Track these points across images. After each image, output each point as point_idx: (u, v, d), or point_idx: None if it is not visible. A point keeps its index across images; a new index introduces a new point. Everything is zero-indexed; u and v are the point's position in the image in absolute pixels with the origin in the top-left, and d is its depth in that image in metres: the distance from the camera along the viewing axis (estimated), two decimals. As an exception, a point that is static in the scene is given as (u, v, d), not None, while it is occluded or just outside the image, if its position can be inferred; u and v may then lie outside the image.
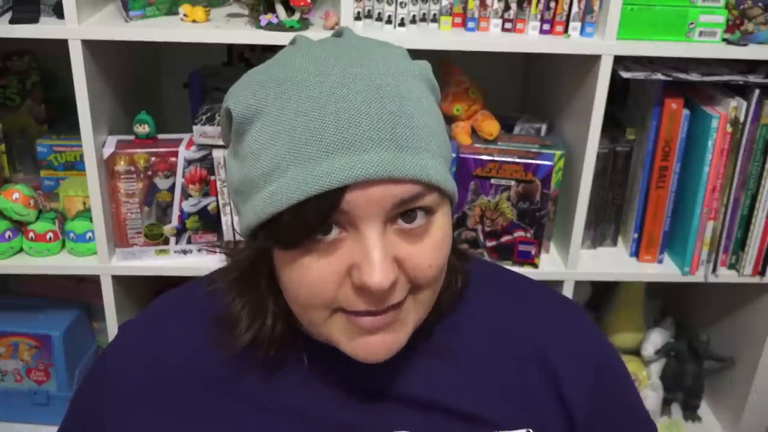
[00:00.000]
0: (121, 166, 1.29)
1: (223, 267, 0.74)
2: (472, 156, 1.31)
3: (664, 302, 1.72)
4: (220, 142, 1.28)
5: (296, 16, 1.20)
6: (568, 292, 1.39)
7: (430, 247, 0.62)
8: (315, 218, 0.57)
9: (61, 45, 1.18)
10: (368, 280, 0.58)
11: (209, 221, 1.36)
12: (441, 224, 0.63)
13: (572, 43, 1.23)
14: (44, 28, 1.19)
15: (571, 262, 1.36)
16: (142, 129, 1.31)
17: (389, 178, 0.57)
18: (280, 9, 1.20)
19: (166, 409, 0.71)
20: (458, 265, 0.73)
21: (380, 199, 0.58)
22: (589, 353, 0.76)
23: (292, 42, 0.69)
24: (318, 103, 0.57)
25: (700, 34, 1.24)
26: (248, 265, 0.68)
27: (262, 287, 0.68)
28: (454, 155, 1.31)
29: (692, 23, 1.23)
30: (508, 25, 1.24)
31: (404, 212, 0.60)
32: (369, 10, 1.22)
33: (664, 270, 1.41)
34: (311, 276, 0.60)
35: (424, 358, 0.72)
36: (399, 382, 0.71)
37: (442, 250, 0.63)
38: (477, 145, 1.36)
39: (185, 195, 1.33)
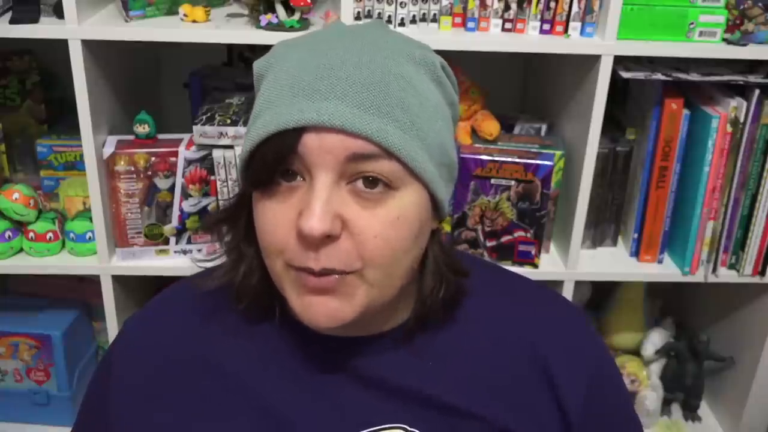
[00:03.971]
0: (121, 166, 1.29)
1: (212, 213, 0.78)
2: (472, 156, 1.31)
3: (664, 302, 1.72)
4: (221, 142, 1.28)
5: (296, 16, 1.20)
6: (568, 292, 1.39)
7: (381, 219, 0.62)
8: (273, 158, 0.61)
9: (61, 45, 1.18)
10: (302, 225, 0.59)
11: (209, 221, 1.36)
12: (403, 204, 0.63)
13: (572, 43, 1.23)
14: (44, 28, 1.19)
15: (571, 262, 1.36)
16: (142, 129, 1.31)
17: (343, 130, 0.59)
18: (280, 9, 1.20)
19: (168, 399, 0.72)
20: (447, 275, 0.72)
21: (332, 147, 0.60)
22: (585, 355, 0.76)
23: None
24: (307, 57, 0.62)
25: (700, 34, 1.24)
26: (233, 209, 0.71)
27: (241, 236, 0.71)
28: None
29: (692, 23, 1.23)
30: (508, 25, 1.24)
31: (365, 177, 0.61)
32: (369, 10, 1.22)
33: (664, 270, 1.41)
34: (268, 218, 0.63)
35: (417, 354, 0.72)
36: (378, 369, 0.71)
37: (396, 228, 0.63)
38: (477, 145, 1.36)
39: (185, 195, 1.33)
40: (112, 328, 1.39)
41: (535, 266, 1.37)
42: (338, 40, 0.64)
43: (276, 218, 0.63)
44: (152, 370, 0.74)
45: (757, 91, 1.27)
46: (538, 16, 1.24)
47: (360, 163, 0.61)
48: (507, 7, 1.23)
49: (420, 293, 0.71)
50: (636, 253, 1.43)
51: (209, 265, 0.77)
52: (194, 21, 1.23)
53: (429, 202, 0.66)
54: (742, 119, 1.29)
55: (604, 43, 1.21)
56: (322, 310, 0.64)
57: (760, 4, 1.24)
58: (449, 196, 0.69)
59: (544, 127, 1.47)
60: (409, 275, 0.68)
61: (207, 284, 0.72)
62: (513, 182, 1.32)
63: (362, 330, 0.70)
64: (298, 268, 0.63)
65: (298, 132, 0.60)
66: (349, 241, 0.62)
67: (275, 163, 0.61)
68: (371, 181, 0.61)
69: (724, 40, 1.24)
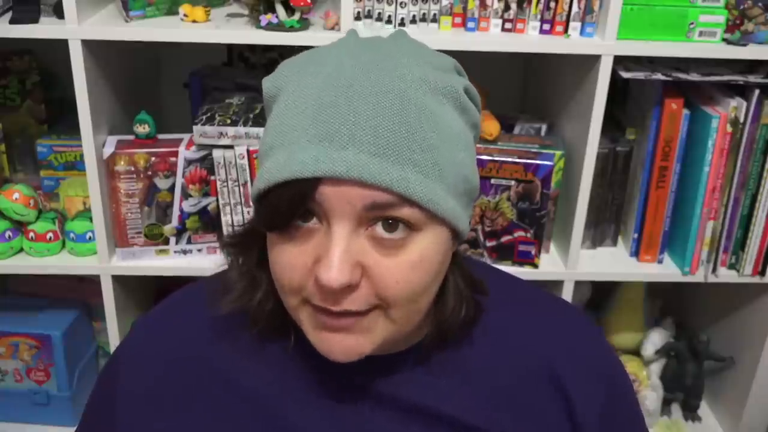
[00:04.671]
0: (121, 166, 1.29)
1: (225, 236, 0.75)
2: (472, 156, 1.31)
3: (664, 302, 1.72)
4: (221, 142, 1.28)
5: (296, 16, 1.20)
6: (568, 292, 1.39)
7: (403, 265, 0.59)
8: (288, 204, 0.58)
9: (61, 45, 1.18)
10: (321, 275, 0.58)
11: (209, 221, 1.36)
12: (425, 245, 0.60)
13: (572, 43, 1.23)
14: (44, 28, 1.19)
15: (571, 262, 1.36)
16: (142, 129, 1.31)
17: (362, 181, 0.56)
18: (280, 9, 1.20)
19: (176, 410, 0.72)
20: (467, 295, 0.70)
21: (351, 198, 0.57)
22: (600, 371, 0.75)
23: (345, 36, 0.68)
24: (318, 91, 0.58)
25: (700, 34, 1.24)
26: (247, 237, 0.69)
27: (254, 263, 0.69)
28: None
29: (692, 23, 1.23)
30: (508, 25, 1.24)
31: (385, 220, 0.59)
32: (369, 10, 1.22)
33: (664, 270, 1.41)
34: (284, 259, 0.61)
35: (434, 372, 0.71)
36: (395, 389, 0.70)
37: (417, 271, 0.60)
38: (477, 145, 1.35)
39: (185, 195, 1.33)
40: (112, 328, 1.39)
41: (535, 266, 1.37)
42: (353, 68, 0.59)
43: (292, 261, 0.60)
44: (160, 378, 0.73)
45: (757, 91, 1.27)
46: (538, 16, 1.24)
47: (379, 210, 0.58)
48: (507, 7, 1.23)
49: (440, 314, 0.68)
50: (636, 253, 1.43)
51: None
52: (194, 21, 1.23)
53: (450, 235, 0.63)
54: (742, 119, 1.29)
55: (604, 43, 1.21)
56: (339, 346, 0.62)
57: (760, 4, 1.24)
58: (470, 219, 0.67)
59: (544, 127, 1.47)
60: (430, 305, 0.66)
61: (220, 308, 0.70)
62: (513, 182, 1.32)
63: (379, 349, 0.68)
64: (316, 307, 0.61)
65: (312, 181, 0.57)
66: (369, 285, 0.60)
67: (290, 209, 0.59)
68: (391, 224, 0.59)
69: (724, 40, 1.24)
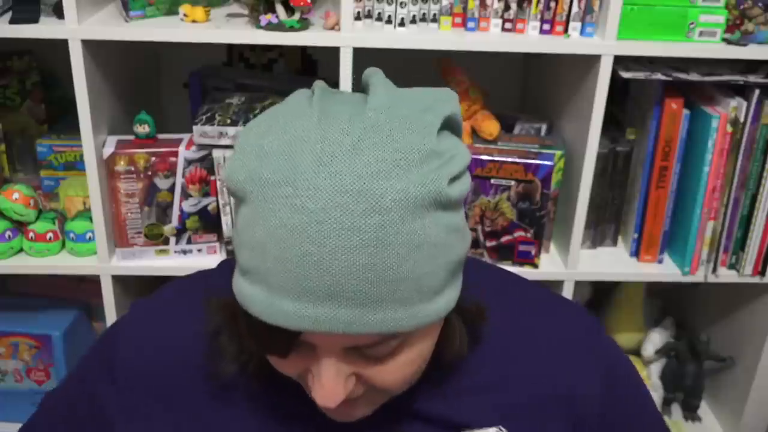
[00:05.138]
0: (121, 166, 1.29)
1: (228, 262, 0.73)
2: (472, 156, 1.30)
3: (664, 302, 1.72)
4: (221, 142, 1.28)
5: (296, 16, 1.20)
6: (568, 292, 1.39)
7: (398, 366, 0.60)
8: (274, 343, 0.58)
9: (61, 45, 1.18)
10: (317, 399, 0.59)
11: (209, 221, 1.36)
12: (418, 345, 0.61)
13: (572, 43, 1.23)
14: (44, 28, 1.19)
15: (571, 262, 1.36)
16: (142, 129, 1.31)
17: (343, 334, 0.55)
18: (280, 9, 1.20)
19: (164, 400, 0.72)
20: (461, 329, 0.69)
21: (336, 342, 0.57)
22: (598, 363, 0.74)
23: (311, 92, 0.62)
24: (290, 234, 0.53)
25: (700, 34, 1.24)
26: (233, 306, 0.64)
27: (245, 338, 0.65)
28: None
29: (692, 23, 1.23)
30: (508, 25, 1.24)
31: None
32: (369, 10, 1.22)
33: (664, 270, 1.41)
34: (279, 366, 0.62)
35: (440, 388, 0.71)
36: (405, 401, 0.69)
37: (413, 365, 0.61)
38: (477, 145, 1.36)
39: (185, 195, 1.33)
40: (112, 328, 1.39)
41: (535, 266, 1.37)
42: (322, 198, 0.53)
43: (286, 369, 0.62)
44: (152, 363, 0.73)
45: (757, 91, 1.27)
46: (538, 16, 1.24)
47: (366, 348, 0.59)
48: (507, 7, 1.23)
49: (442, 356, 0.68)
50: (636, 253, 1.43)
51: None
52: (194, 21, 1.23)
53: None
54: (742, 119, 1.29)
55: (604, 43, 1.21)
56: (340, 417, 0.64)
57: (760, 4, 1.24)
58: (461, 276, 0.65)
59: (544, 127, 1.47)
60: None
61: (223, 370, 0.69)
62: (513, 182, 1.32)
63: None
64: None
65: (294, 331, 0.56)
66: (367, 385, 0.61)
67: (276, 347, 0.59)
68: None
69: (724, 40, 1.24)
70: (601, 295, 1.66)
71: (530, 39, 1.24)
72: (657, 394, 1.57)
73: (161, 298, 0.79)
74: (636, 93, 1.42)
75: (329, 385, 0.58)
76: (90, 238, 1.35)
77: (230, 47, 1.62)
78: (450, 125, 0.61)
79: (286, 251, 0.53)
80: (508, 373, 0.72)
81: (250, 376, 0.69)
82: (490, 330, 0.72)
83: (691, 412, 1.62)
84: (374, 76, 0.62)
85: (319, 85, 0.62)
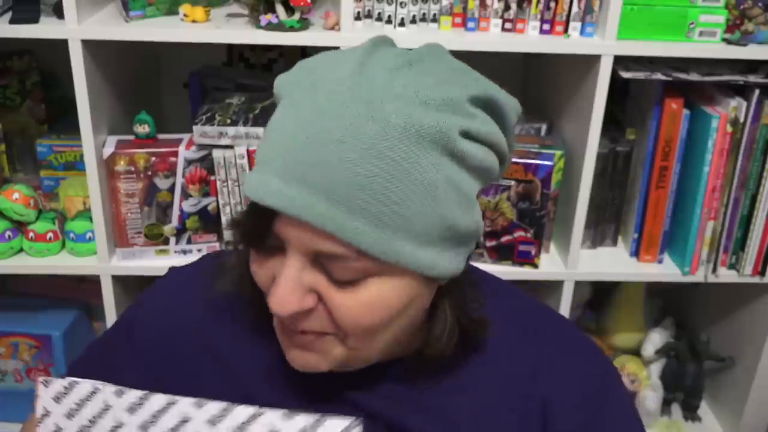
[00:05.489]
0: (121, 166, 1.29)
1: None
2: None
3: (664, 302, 1.72)
4: (221, 142, 1.28)
5: (296, 16, 1.20)
6: (568, 292, 1.39)
7: (358, 302, 0.58)
8: (254, 224, 0.59)
9: (61, 45, 1.18)
10: (270, 301, 0.58)
11: (209, 221, 1.36)
12: (384, 288, 0.58)
13: (572, 43, 1.23)
14: (44, 28, 1.19)
15: (571, 262, 1.36)
16: (142, 129, 1.31)
17: (310, 224, 0.54)
18: (280, 9, 1.20)
19: (171, 360, 0.74)
20: (462, 323, 0.66)
21: (303, 240, 0.56)
22: (584, 390, 0.71)
23: (373, 42, 0.62)
24: (294, 123, 0.56)
25: (700, 34, 1.24)
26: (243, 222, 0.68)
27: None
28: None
29: (692, 23, 1.23)
30: (508, 25, 1.24)
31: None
32: (369, 10, 1.22)
33: (664, 270, 1.41)
34: (254, 269, 0.62)
35: (420, 390, 0.69)
36: (375, 401, 0.68)
37: (373, 311, 0.58)
38: (477, 145, 1.35)
39: (185, 195, 1.33)
40: (112, 328, 1.39)
41: (535, 266, 1.37)
42: (333, 106, 0.55)
43: (258, 271, 0.61)
44: (170, 329, 0.75)
45: (757, 91, 1.27)
46: (538, 16, 1.24)
47: (329, 261, 0.57)
48: (507, 7, 1.23)
49: (426, 341, 0.66)
50: (636, 253, 1.43)
51: None
52: (194, 21, 1.23)
53: (421, 280, 0.60)
54: (742, 119, 1.29)
55: (604, 43, 1.21)
56: (299, 362, 0.63)
57: (760, 4, 1.24)
58: (465, 256, 0.63)
59: (544, 127, 1.47)
60: (399, 336, 0.64)
61: (218, 286, 0.71)
62: (513, 182, 1.32)
63: (354, 363, 0.66)
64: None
65: (269, 210, 0.56)
66: (325, 311, 0.59)
67: (256, 229, 0.59)
68: (345, 268, 0.57)
69: (724, 40, 1.24)
70: (601, 295, 1.66)
71: (530, 39, 1.24)
72: (657, 394, 1.57)
73: (193, 268, 0.82)
74: (636, 93, 1.42)
75: (284, 289, 0.57)
76: (90, 238, 1.35)
77: (230, 47, 1.62)
78: (496, 113, 0.61)
79: (286, 133, 0.56)
80: (497, 393, 0.70)
81: (246, 304, 0.69)
82: (486, 344, 0.70)
83: (691, 412, 1.62)
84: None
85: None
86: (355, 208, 0.54)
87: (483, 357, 0.70)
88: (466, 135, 0.57)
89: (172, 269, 0.84)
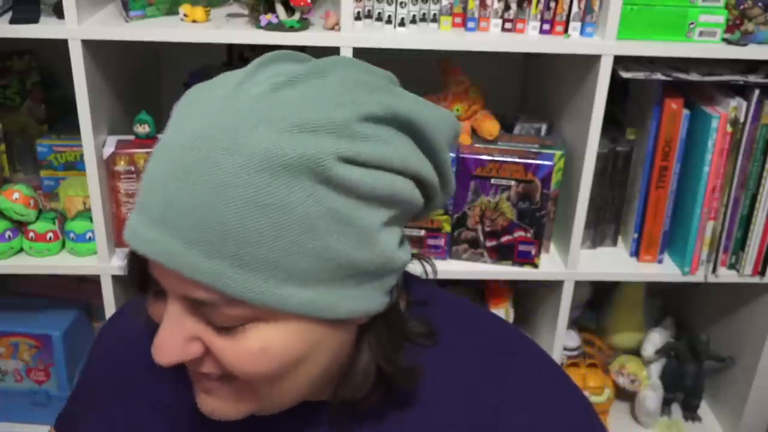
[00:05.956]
0: (121, 166, 1.29)
1: None
2: (472, 156, 1.31)
3: (664, 302, 1.72)
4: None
5: (296, 16, 1.20)
6: (568, 292, 1.39)
7: (242, 351, 0.52)
8: (135, 271, 0.56)
9: (61, 45, 1.18)
10: (153, 353, 0.54)
11: (209, 221, 1.36)
12: (271, 336, 0.52)
13: (572, 43, 1.23)
14: (44, 28, 1.19)
15: (571, 262, 1.36)
16: (142, 129, 1.31)
17: (174, 271, 0.50)
18: (280, 9, 1.20)
19: (103, 399, 0.73)
20: (369, 372, 0.59)
21: (175, 287, 0.52)
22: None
23: (261, 60, 0.56)
24: (158, 155, 0.53)
25: (700, 34, 1.24)
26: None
27: None
28: (453, 155, 1.31)
29: (692, 23, 1.23)
30: (508, 25, 1.24)
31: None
32: (369, 10, 1.22)
33: (664, 270, 1.41)
34: (150, 312, 0.58)
35: (369, 424, 0.63)
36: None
37: (261, 361, 0.53)
38: (477, 145, 1.36)
39: (185, 195, 1.33)
40: (112, 328, 1.39)
41: (535, 266, 1.37)
42: (193, 134, 0.51)
43: (154, 316, 0.57)
44: (107, 366, 0.75)
45: (757, 91, 1.27)
46: (538, 16, 1.24)
47: (204, 309, 0.52)
48: (507, 7, 1.23)
49: (341, 389, 0.60)
50: (636, 253, 1.43)
51: None
52: (194, 21, 1.23)
53: (326, 322, 0.54)
54: (742, 119, 1.29)
55: (604, 43, 1.21)
56: (205, 407, 0.58)
57: (760, 4, 1.24)
58: (379, 293, 0.56)
59: (544, 127, 1.47)
60: (320, 379, 0.58)
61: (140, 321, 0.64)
62: (513, 182, 1.32)
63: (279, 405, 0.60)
64: None
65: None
66: (215, 361, 0.54)
67: (138, 276, 0.56)
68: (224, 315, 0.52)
69: (724, 40, 1.24)
70: (601, 295, 1.66)
71: (530, 39, 1.24)
72: (657, 394, 1.57)
73: (131, 304, 0.79)
74: (636, 93, 1.42)
75: (164, 336, 0.53)
76: (90, 238, 1.35)
77: (230, 47, 1.61)
78: (409, 131, 0.55)
79: (149, 171, 0.53)
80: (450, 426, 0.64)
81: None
82: (439, 377, 0.64)
83: (691, 412, 1.62)
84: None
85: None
86: (210, 250, 0.49)
87: (421, 407, 0.63)
88: (348, 160, 0.50)
89: (128, 303, 0.81)
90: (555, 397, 0.65)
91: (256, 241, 0.49)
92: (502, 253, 1.37)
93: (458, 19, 1.25)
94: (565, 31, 1.24)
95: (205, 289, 0.50)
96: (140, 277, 0.56)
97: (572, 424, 0.64)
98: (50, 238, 1.35)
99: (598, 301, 1.66)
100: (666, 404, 1.61)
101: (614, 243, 1.47)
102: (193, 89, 0.57)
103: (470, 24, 1.25)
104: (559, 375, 0.68)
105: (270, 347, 0.53)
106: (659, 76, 1.27)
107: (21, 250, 1.37)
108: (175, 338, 0.53)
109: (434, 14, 1.24)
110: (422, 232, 1.37)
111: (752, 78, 1.27)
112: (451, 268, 1.37)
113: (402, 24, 1.24)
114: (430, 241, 1.38)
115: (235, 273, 0.49)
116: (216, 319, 0.52)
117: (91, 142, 1.25)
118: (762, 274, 1.39)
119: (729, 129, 1.29)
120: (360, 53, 1.19)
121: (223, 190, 0.48)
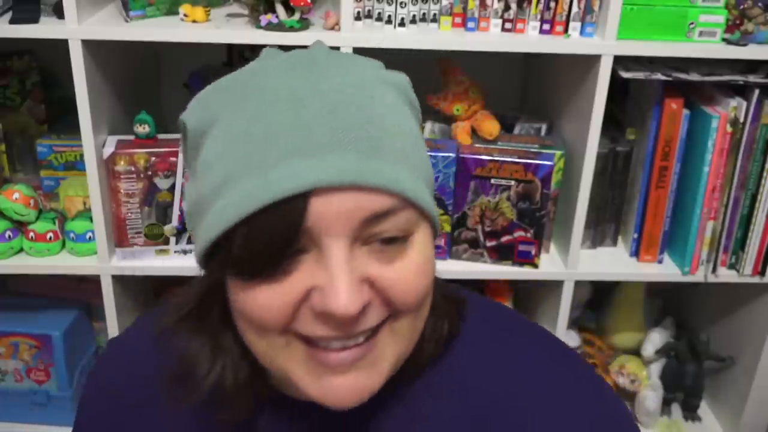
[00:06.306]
0: (121, 166, 1.29)
1: (171, 303, 0.62)
2: (472, 156, 1.31)
3: (664, 302, 1.72)
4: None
5: (296, 16, 1.20)
6: (568, 292, 1.39)
7: (408, 270, 0.54)
8: (269, 240, 0.50)
9: (61, 45, 1.18)
10: (332, 306, 0.50)
11: (209, 221, 1.36)
12: (421, 247, 0.55)
13: (572, 43, 1.23)
14: (44, 28, 1.19)
15: (571, 262, 1.36)
16: (142, 129, 1.31)
17: (356, 186, 0.50)
18: (280, 9, 1.20)
19: None
20: (445, 308, 0.63)
21: (348, 211, 0.50)
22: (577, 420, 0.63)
23: (261, 54, 0.60)
24: (277, 108, 0.51)
25: (700, 34, 1.24)
26: (198, 302, 0.59)
27: (216, 324, 0.59)
28: (453, 155, 1.31)
29: (692, 23, 1.23)
30: (508, 25, 1.24)
31: (382, 240, 0.53)
32: (369, 10, 1.22)
33: (664, 270, 1.41)
34: (261, 304, 0.52)
35: (400, 422, 0.64)
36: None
37: (422, 274, 0.55)
38: (477, 145, 1.36)
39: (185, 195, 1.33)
40: (112, 327, 1.39)
41: (535, 266, 1.37)
42: (296, 76, 0.53)
43: (274, 301, 0.52)
44: (109, 409, 0.71)
45: (757, 91, 1.27)
46: (538, 16, 1.24)
47: (377, 223, 0.52)
48: (507, 7, 1.23)
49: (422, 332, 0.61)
50: (636, 253, 1.43)
51: None
52: (194, 21, 1.23)
53: (432, 233, 0.58)
54: (742, 119, 1.29)
55: (604, 43, 1.21)
56: (349, 390, 0.55)
57: (760, 4, 1.24)
58: None
59: (544, 127, 1.47)
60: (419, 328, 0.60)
61: (191, 394, 0.60)
62: (513, 182, 1.32)
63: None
64: (319, 344, 0.54)
65: (299, 200, 0.49)
66: (378, 297, 0.54)
67: (281, 241, 0.50)
68: (389, 240, 0.53)
69: (724, 40, 1.24)
70: (601, 295, 1.66)
71: (530, 39, 1.24)
72: (657, 394, 1.57)
73: (126, 335, 0.75)
74: (636, 93, 1.42)
75: (346, 284, 0.50)
76: (90, 238, 1.35)
77: (230, 47, 1.61)
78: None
79: (273, 122, 0.51)
80: (476, 424, 0.64)
81: (228, 391, 0.60)
82: (467, 372, 0.65)
83: (691, 412, 1.62)
84: None
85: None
86: (389, 156, 0.52)
87: (450, 382, 0.65)
88: (411, 86, 0.61)
89: (112, 342, 0.77)
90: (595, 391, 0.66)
91: (407, 143, 0.55)
92: (502, 253, 1.37)
93: (458, 19, 1.25)
94: (565, 31, 1.24)
95: (388, 194, 0.52)
96: (272, 250, 0.51)
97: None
98: (50, 238, 1.36)
99: (598, 301, 1.66)
100: (666, 404, 1.61)
101: (614, 243, 1.47)
102: (208, 92, 0.58)
103: (470, 24, 1.25)
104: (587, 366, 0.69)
105: (426, 257, 0.56)
106: (659, 76, 1.27)
107: (21, 250, 1.37)
108: (355, 279, 0.52)
109: (434, 14, 1.24)
110: (422, 232, 1.37)
111: (752, 78, 1.27)
112: (451, 268, 1.37)
113: (402, 24, 1.24)
114: (430, 241, 1.38)
115: (406, 174, 0.53)
116: (388, 232, 0.53)
117: (91, 142, 1.25)
118: (762, 274, 1.39)
119: (729, 129, 1.29)
120: (360, 53, 1.19)
121: (373, 103, 0.53)
